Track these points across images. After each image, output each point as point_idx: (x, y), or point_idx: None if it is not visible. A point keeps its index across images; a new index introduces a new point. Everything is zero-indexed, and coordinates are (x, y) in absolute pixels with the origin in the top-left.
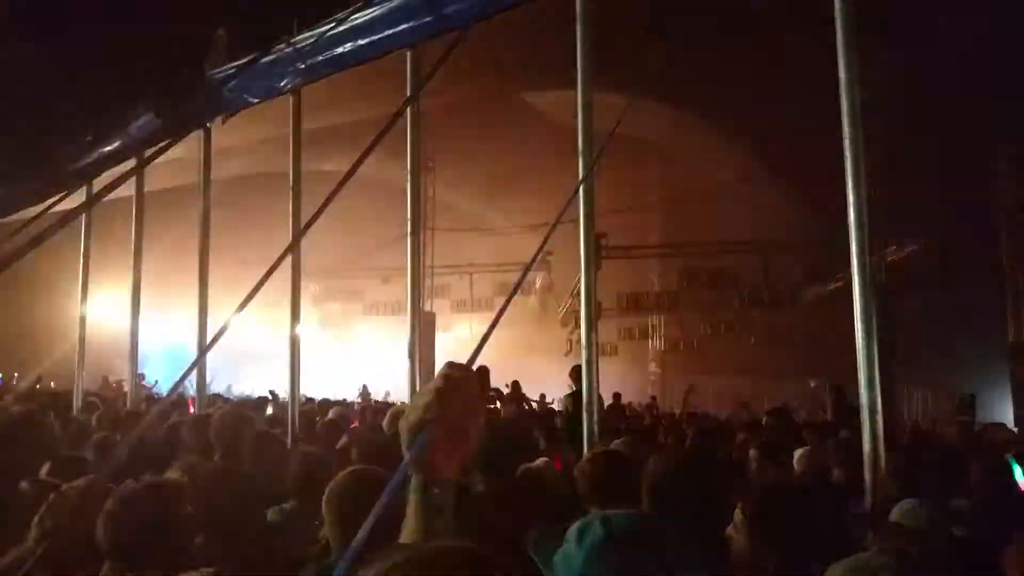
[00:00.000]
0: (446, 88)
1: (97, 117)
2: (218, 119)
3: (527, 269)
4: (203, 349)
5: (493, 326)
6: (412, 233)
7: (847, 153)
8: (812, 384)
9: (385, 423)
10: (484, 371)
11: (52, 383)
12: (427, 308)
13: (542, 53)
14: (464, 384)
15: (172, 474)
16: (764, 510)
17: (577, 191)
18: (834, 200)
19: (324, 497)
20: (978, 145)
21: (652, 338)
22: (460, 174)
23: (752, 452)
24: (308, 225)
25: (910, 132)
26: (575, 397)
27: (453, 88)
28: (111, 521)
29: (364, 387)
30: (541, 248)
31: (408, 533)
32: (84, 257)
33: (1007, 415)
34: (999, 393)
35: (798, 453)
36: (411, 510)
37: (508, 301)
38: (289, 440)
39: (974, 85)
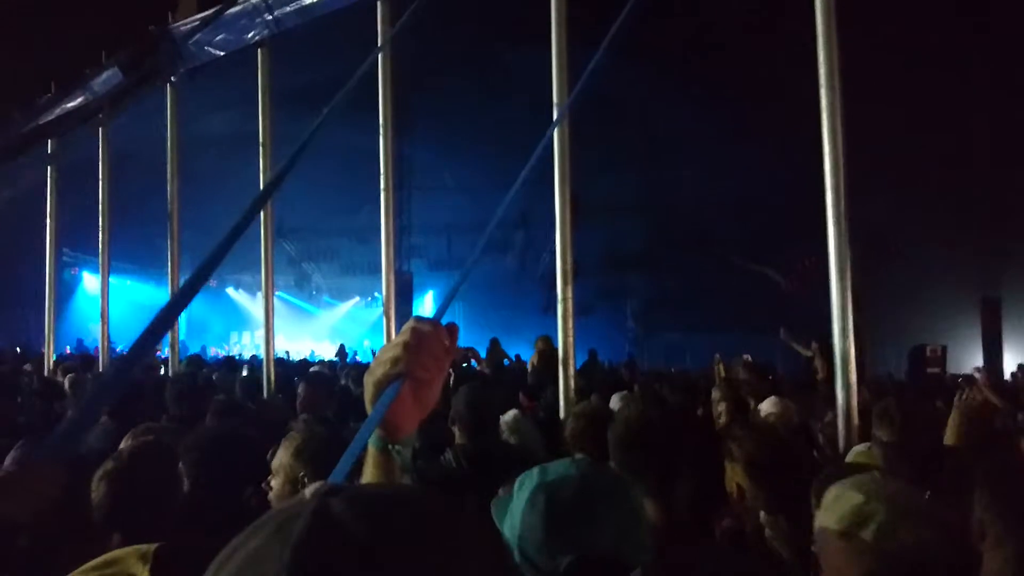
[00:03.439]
0: (421, 43)
1: (58, 72)
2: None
3: (494, 223)
4: (174, 310)
5: (463, 280)
6: (386, 191)
7: (824, 111)
8: (782, 334)
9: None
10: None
11: None
12: (404, 268)
13: (518, 6)
14: (431, 338)
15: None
16: (757, 455)
17: (550, 135)
18: (816, 157)
19: (292, 451)
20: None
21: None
22: (437, 132)
23: (722, 406)
24: (277, 181)
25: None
26: (542, 355)
27: (428, 43)
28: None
29: (342, 347)
30: (508, 200)
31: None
32: (51, 217)
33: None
34: (969, 345)
35: (766, 404)
36: (369, 466)
37: (477, 257)
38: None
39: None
